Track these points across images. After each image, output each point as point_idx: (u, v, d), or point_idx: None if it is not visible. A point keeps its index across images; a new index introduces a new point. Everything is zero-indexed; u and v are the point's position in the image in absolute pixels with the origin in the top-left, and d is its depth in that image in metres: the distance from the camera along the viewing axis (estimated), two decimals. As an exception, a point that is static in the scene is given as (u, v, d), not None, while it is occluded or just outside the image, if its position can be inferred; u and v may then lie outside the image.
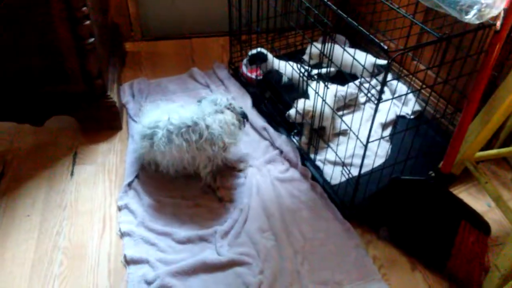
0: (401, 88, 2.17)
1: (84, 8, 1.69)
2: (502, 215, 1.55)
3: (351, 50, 1.96)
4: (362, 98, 2.17)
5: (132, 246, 1.57)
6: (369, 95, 2.10)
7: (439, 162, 1.66)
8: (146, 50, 2.60)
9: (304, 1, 1.65)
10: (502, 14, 1.24)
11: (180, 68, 2.46)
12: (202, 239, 1.60)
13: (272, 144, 1.99)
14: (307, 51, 2.19)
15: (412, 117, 2.09)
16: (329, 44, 1.57)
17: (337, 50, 1.63)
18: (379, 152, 1.73)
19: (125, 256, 1.54)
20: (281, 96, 2.06)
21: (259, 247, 1.57)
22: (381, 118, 1.97)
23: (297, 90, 2.06)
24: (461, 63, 1.47)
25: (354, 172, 1.65)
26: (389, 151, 1.93)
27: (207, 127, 1.64)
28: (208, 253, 1.54)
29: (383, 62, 2.10)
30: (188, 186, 1.78)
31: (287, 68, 2.08)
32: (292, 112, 1.90)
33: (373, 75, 2.09)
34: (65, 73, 1.84)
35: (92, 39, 1.78)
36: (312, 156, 1.89)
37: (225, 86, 2.31)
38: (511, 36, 1.59)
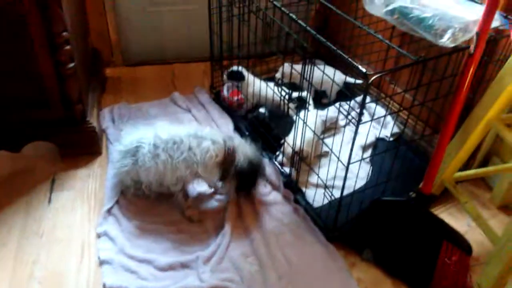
0: (380, 111, 2.21)
1: (65, 33, 1.69)
2: (483, 235, 1.56)
3: (330, 70, 2.03)
4: (341, 122, 2.20)
5: (111, 274, 1.52)
6: (349, 117, 2.13)
7: (419, 183, 1.68)
8: (127, 75, 2.60)
9: (284, 26, 1.69)
10: (474, 38, 1.29)
11: (161, 93, 2.46)
12: (184, 265, 1.57)
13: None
14: (280, 69, 2.26)
15: (391, 139, 2.13)
16: (309, 67, 1.60)
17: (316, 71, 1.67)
18: (360, 174, 1.74)
19: (104, 285, 1.49)
20: (271, 131, 2.09)
21: (243, 272, 1.54)
22: (361, 140, 1.99)
23: (281, 117, 2.09)
24: (438, 85, 1.51)
25: (336, 194, 1.65)
26: (370, 173, 1.95)
27: (190, 148, 1.62)
28: (190, 280, 1.51)
29: (352, 80, 2.22)
30: (170, 212, 1.76)
31: (268, 90, 2.11)
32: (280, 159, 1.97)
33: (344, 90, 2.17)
34: (45, 98, 1.82)
35: (72, 64, 1.77)
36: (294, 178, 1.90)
37: (206, 110, 2.31)
38: (485, 59, 1.65)
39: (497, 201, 1.87)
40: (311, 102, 2.17)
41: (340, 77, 2.17)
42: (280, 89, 2.09)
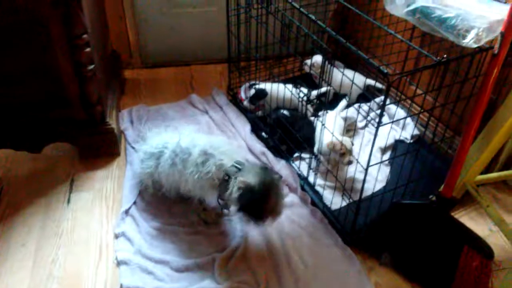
0: (400, 112, 2.18)
1: (85, 36, 1.71)
2: (505, 239, 1.52)
3: (350, 73, 2.00)
4: (360, 123, 2.18)
5: (129, 275, 1.53)
6: (368, 118, 2.11)
7: (439, 186, 1.65)
8: (145, 77, 2.62)
9: (303, 27, 1.67)
10: (499, 38, 1.26)
11: (179, 94, 2.47)
12: (201, 267, 1.57)
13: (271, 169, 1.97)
14: (308, 61, 2.26)
15: (411, 141, 2.09)
16: (329, 67, 1.59)
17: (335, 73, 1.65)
18: (379, 177, 1.72)
19: (121, 285, 1.50)
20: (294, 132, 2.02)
21: (259, 275, 1.53)
22: (380, 142, 1.97)
23: (300, 119, 2.07)
24: (459, 86, 1.48)
25: (355, 197, 1.63)
26: (389, 175, 1.92)
27: (196, 164, 1.55)
28: (206, 282, 1.51)
29: (372, 82, 2.18)
30: (187, 213, 1.76)
31: (286, 92, 2.09)
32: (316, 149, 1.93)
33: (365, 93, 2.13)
34: (65, 100, 1.84)
35: (92, 66, 1.79)
36: (311, 180, 1.88)
37: (223, 112, 2.31)
38: (509, 59, 1.61)
39: (520, 205, 1.82)
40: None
41: (360, 79, 2.14)
42: (299, 91, 2.08)
